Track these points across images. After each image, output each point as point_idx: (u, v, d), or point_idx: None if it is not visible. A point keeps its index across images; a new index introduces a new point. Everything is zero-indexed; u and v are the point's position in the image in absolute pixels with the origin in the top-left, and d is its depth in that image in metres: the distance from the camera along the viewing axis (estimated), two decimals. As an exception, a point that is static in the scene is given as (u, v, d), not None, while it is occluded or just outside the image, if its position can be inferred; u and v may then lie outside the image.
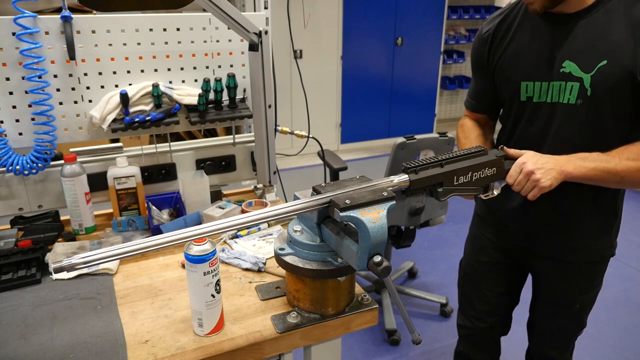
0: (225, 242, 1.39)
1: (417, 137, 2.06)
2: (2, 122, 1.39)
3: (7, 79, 1.36)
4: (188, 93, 1.54)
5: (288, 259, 1.01)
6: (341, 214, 0.88)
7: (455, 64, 5.99)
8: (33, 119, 1.41)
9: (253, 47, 1.44)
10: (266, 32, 1.42)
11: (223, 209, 1.48)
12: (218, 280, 0.97)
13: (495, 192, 1.20)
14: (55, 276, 1.20)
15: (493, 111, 1.49)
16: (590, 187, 1.22)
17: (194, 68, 1.58)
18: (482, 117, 1.50)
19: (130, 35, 1.46)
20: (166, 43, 1.52)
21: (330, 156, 2.43)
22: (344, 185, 0.98)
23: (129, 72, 1.50)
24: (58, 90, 1.42)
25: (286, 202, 1.33)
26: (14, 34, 1.32)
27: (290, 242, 1.03)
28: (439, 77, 5.67)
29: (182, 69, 1.56)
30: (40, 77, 1.36)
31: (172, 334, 1.01)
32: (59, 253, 1.29)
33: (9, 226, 1.42)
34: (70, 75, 1.43)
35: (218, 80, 1.53)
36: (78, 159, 1.41)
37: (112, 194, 1.47)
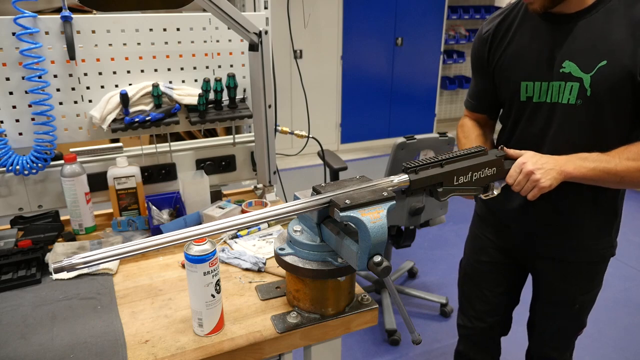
0: (225, 242, 1.39)
1: (417, 137, 2.06)
2: (2, 122, 1.39)
3: (7, 79, 1.36)
4: (188, 93, 1.54)
5: (288, 259, 1.01)
6: (341, 214, 0.88)
7: (455, 64, 5.99)
8: (33, 119, 1.41)
9: (253, 47, 1.44)
10: (266, 32, 1.42)
11: (223, 209, 1.48)
12: (218, 280, 0.97)
13: (495, 192, 1.20)
14: (55, 276, 1.20)
15: (493, 111, 1.49)
16: (590, 187, 1.22)
17: (194, 68, 1.58)
18: (482, 117, 1.50)
19: (130, 35, 1.46)
20: (166, 43, 1.52)
21: (330, 156, 2.43)
22: (344, 185, 0.98)
23: (129, 72, 1.50)
24: (58, 90, 1.42)
25: (286, 202, 1.33)
26: (14, 34, 1.32)
27: (290, 242, 1.03)
28: (439, 77, 5.67)
29: (182, 69, 1.56)
30: (40, 77, 1.36)
31: (172, 334, 1.01)
32: (59, 253, 1.29)
33: (9, 226, 1.42)
34: (70, 75, 1.43)
35: (218, 80, 1.53)
36: (78, 159, 1.41)
37: (112, 194, 1.47)
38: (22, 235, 1.36)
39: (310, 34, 4.81)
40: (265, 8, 1.62)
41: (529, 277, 1.59)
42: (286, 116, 4.84)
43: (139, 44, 1.48)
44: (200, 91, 1.52)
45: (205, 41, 1.56)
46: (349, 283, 1.06)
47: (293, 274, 1.03)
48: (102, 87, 1.48)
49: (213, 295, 0.97)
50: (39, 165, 1.41)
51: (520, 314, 1.67)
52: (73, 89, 1.44)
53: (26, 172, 1.40)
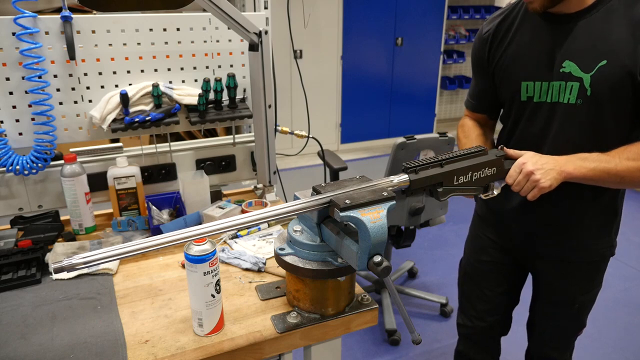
0: (225, 242, 1.39)
1: (417, 137, 2.06)
2: (2, 122, 1.39)
3: (7, 79, 1.36)
4: (188, 93, 1.54)
5: (288, 259, 1.01)
6: (341, 214, 0.88)
7: (455, 64, 5.99)
8: (33, 119, 1.41)
9: (253, 47, 1.44)
10: (266, 32, 1.42)
11: (223, 209, 1.48)
12: (218, 280, 0.97)
13: (495, 192, 1.20)
14: (55, 276, 1.20)
15: (493, 111, 1.49)
16: (590, 187, 1.22)
17: (194, 68, 1.58)
18: (482, 117, 1.51)
19: (130, 35, 1.46)
20: (166, 43, 1.52)
21: (330, 156, 2.43)
22: (344, 185, 0.98)
23: (129, 72, 1.50)
24: (58, 90, 1.42)
25: (286, 202, 1.33)
26: (14, 34, 1.32)
27: (290, 242, 1.03)
28: (439, 77, 5.67)
29: (182, 69, 1.56)
30: (40, 77, 1.36)
31: (172, 334, 1.01)
32: (59, 253, 1.29)
33: (9, 226, 1.42)
34: (70, 75, 1.43)
35: (218, 80, 1.53)
36: (78, 159, 1.41)
37: (112, 194, 1.47)
38: (22, 235, 1.36)
39: (310, 34, 4.81)
40: (265, 8, 1.62)
41: (529, 277, 1.59)
42: (286, 116, 4.84)
43: (139, 44, 1.48)
44: (200, 91, 1.52)
45: (205, 41, 1.56)
46: (349, 283, 1.06)
47: (293, 274, 1.03)
48: (102, 87, 1.48)
49: (213, 295, 0.97)
50: (39, 165, 1.41)
51: (520, 314, 1.67)
52: (73, 89, 1.44)
53: (26, 172, 1.40)
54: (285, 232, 1.07)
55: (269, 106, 1.51)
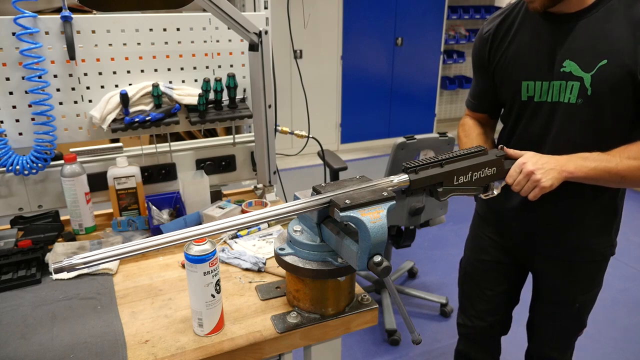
0: (225, 242, 1.39)
1: (417, 137, 2.06)
2: (2, 122, 1.39)
3: (7, 79, 1.36)
4: (188, 93, 1.54)
5: (288, 259, 1.01)
6: (341, 214, 0.88)
7: (455, 64, 5.99)
8: (33, 119, 1.41)
9: (253, 47, 1.44)
10: (266, 32, 1.42)
11: (223, 209, 1.48)
12: (218, 280, 0.97)
13: (495, 192, 1.20)
14: (55, 276, 1.20)
15: (494, 111, 1.49)
16: (591, 187, 1.22)
17: (194, 68, 1.58)
18: (483, 117, 1.51)
19: (130, 35, 1.46)
20: (166, 43, 1.52)
21: (330, 156, 2.43)
22: (344, 185, 0.98)
23: (129, 72, 1.50)
24: (58, 90, 1.42)
25: (286, 202, 1.33)
26: (14, 34, 1.32)
27: (290, 242, 1.03)
28: (439, 77, 5.67)
29: (182, 69, 1.56)
30: (40, 77, 1.36)
31: (172, 334, 1.01)
32: (59, 253, 1.29)
33: (9, 226, 1.42)
34: (70, 75, 1.43)
35: (218, 80, 1.53)
36: (78, 159, 1.41)
37: (112, 194, 1.47)
38: (22, 235, 1.36)
39: (310, 34, 4.80)
40: (265, 8, 1.62)
41: (529, 277, 1.59)
42: (286, 116, 4.84)
43: (139, 44, 1.48)
44: (200, 91, 1.52)
45: (205, 41, 1.56)
46: (349, 283, 1.06)
47: (293, 274, 1.03)
48: (102, 87, 1.48)
49: (213, 295, 0.97)
50: (39, 165, 1.41)
51: (520, 314, 1.67)
52: (73, 89, 1.44)
53: (26, 172, 1.40)
54: (285, 232, 1.07)
55: (269, 106, 1.51)
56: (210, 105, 1.57)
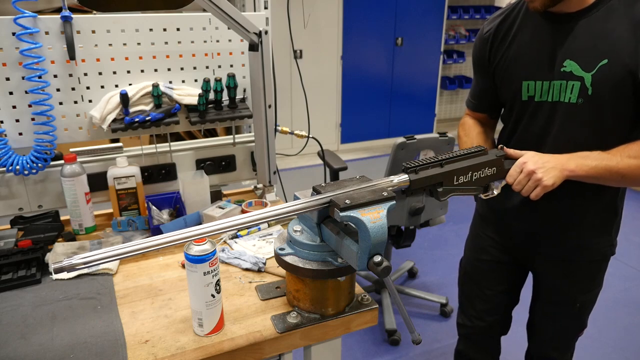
0: (225, 242, 1.39)
1: (417, 137, 2.06)
2: (2, 122, 1.39)
3: (7, 79, 1.36)
4: (188, 93, 1.54)
5: (288, 259, 1.01)
6: (341, 214, 0.88)
7: (455, 64, 5.99)
8: (33, 119, 1.41)
9: (253, 47, 1.44)
10: (266, 32, 1.42)
11: (223, 209, 1.48)
12: (218, 280, 0.97)
13: (495, 192, 1.20)
14: (55, 276, 1.20)
15: (494, 110, 1.49)
16: (591, 186, 1.23)
17: (194, 68, 1.58)
18: (483, 117, 1.51)
19: (130, 35, 1.46)
20: (166, 43, 1.52)
21: (330, 156, 2.43)
22: (344, 185, 0.98)
23: (129, 72, 1.50)
24: (58, 90, 1.42)
25: (286, 202, 1.33)
26: (14, 34, 1.32)
27: (290, 242, 1.03)
28: (439, 77, 5.67)
29: (182, 69, 1.56)
30: (40, 77, 1.36)
31: (172, 334, 1.01)
32: (59, 253, 1.29)
33: (9, 226, 1.42)
34: (70, 75, 1.43)
35: (218, 80, 1.53)
36: (78, 159, 1.41)
37: (112, 194, 1.47)
38: (22, 235, 1.36)
39: (310, 34, 4.81)
40: (265, 8, 1.62)
41: (529, 278, 1.59)
42: (286, 116, 4.84)
43: (139, 44, 1.48)
44: (200, 91, 1.52)
45: (205, 41, 1.56)
46: (349, 283, 1.06)
47: (293, 274, 1.03)
48: (102, 87, 1.48)
49: (213, 295, 0.97)
50: (39, 165, 1.41)
51: (520, 314, 1.67)
52: (73, 89, 1.44)
53: (26, 172, 1.40)
54: (285, 232, 1.07)
55: (269, 106, 1.51)
56: (210, 105, 1.57)
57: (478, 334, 1.66)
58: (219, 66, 1.61)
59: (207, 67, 1.59)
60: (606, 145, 1.19)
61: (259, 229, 1.44)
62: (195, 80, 1.59)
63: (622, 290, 2.89)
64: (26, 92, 1.38)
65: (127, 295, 1.14)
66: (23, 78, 1.35)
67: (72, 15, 1.36)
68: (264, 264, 1.24)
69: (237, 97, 1.60)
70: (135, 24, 1.46)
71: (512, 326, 1.68)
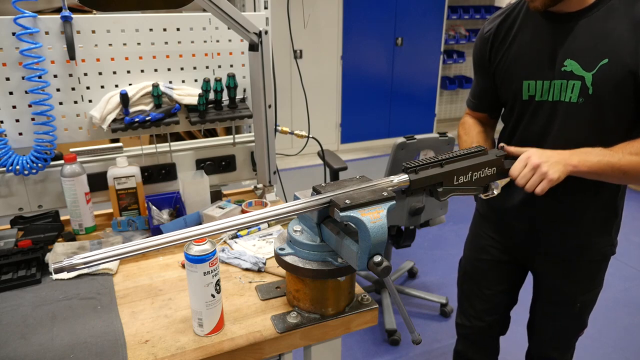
0: (225, 242, 1.39)
1: (417, 137, 2.06)
2: (2, 122, 1.39)
3: (7, 79, 1.36)
4: (188, 93, 1.54)
5: (288, 259, 1.01)
6: (341, 214, 0.88)
7: (455, 64, 5.99)
8: (33, 119, 1.41)
9: (253, 47, 1.44)
10: (266, 32, 1.42)
11: (223, 209, 1.48)
12: (218, 280, 0.97)
13: (496, 192, 1.20)
14: (55, 276, 1.20)
15: (494, 110, 1.49)
16: (591, 184, 1.23)
17: (194, 68, 1.58)
18: (483, 116, 1.51)
19: (130, 35, 1.46)
20: (166, 43, 1.52)
21: (330, 156, 2.43)
22: (344, 185, 0.98)
23: (129, 72, 1.50)
24: (58, 90, 1.42)
25: (286, 202, 1.33)
26: (14, 34, 1.32)
27: (290, 242, 1.03)
28: (439, 77, 5.67)
29: (182, 69, 1.56)
30: (40, 77, 1.36)
31: (172, 334, 1.01)
32: (59, 253, 1.29)
33: (9, 226, 1.42)
34: (70, 75, 1.43)
35: (218, 80, 1.53)
36: (78, 159, 1.41)
37: (112, 194, 1.47)
38: (22, 235, 1.36)
39: (310, 34, 4.81)
40: (265, 8, 1.62)
41: (529, 278, 1.59)
42: (286, 116, 4.84)
43: (139, 44, 1.48)
44: (200, 91, 1.52)
45: (205, 41, 1.56)
46: (349, 283, 1.06)
47: (293, 274, 1.03)
48: (102, 87, 1.48)
49: (213, 295, 0.97)
50: (39, 165, 1.41)
51: (520, 314, 1.67)
52: (73, 89, 1.44)
53: (26, 172, 1.40)
54: (285, 232, 1.07)
55: (269, 106, 1.51)
56: (210, 105, 1.57)
57: (477, 334, 1.66)
58: (219, 66, 1.61)
59: (207, 67, 1.59)
60: (607, 144, 1.19)
61: (259, 229, 1.44)
62: (195, 80, 1.59)
63: (622, 290, 2.89)
64: (26, 92, 1.38)
65: (127, 295, 1.14)
66: (23, 78, 1.35)
67: (72, 15, 1.36)
68: (264, 264, 1.24)
69: (237, 97, 1.60)
70: (135, 24, 1.46)
71: (512, 326, 1.68)
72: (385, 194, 0.93)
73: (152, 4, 1.37)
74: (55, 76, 1.41)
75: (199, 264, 0.93)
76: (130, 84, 1.50)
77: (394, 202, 0.93)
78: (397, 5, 5.09)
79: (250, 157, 1.73)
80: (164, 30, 1.50)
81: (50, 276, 1.21)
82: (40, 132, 1.40)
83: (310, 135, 1.73)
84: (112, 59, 1.47)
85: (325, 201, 0.94)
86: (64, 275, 1.19)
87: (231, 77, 1.54)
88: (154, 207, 1.49)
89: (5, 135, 1.39)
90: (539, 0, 1.17)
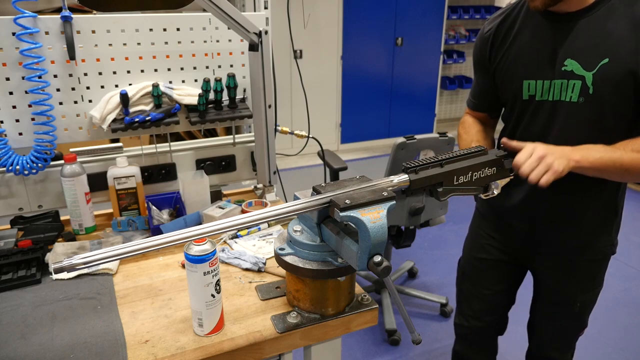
0: (225, 242, 1.39)
1: (417, 137, 2.06)
2: (2, 122, 1.39)
3: (7, 79, 1.36)
4: (188, 93, 1.54)
5: (288, 259, 1.01)
6: (341, 214, 0.88)
7: (455, 64, 5.99)
8: (33, 119, 1.41)
9: (253, 47, 1.44)
10: (266, 32, 1.42)
11: (223, 209, 1.48)
12: (218, 280, 0.97)
13: (496, 192, 1.20)
14: (55, 276, 1.20)
15: (494, 110, 1.49)
16: (592, 182, 1.23)
17: (194, 68, 1.58)
18: (483, 116, 1.51)
19: (130, 35, 1.46)
20: (166, 43, 1.52)
21: (330, 156, 2.43)
22: (344, 185, 0.98)
23: (129, 72, 1.50)
24: (58, 90, 1.42)
25: (286, 202, 1.33)
26: (14, 34, 1.32)
27: (290, 242, 1.03)
28: (439, 77, 5.67)
29: (182, 69, 1.56)
30: (40, 77, 1.36)
31: (172, 334, 1.01)
32: (59, 253, 1.29)
33: (9, 226, 1.42)
34: (70, 75, 1.43)
35: (218, 80, 1.53)
36: (78, 159, 1.41)
37: (112, 194, 1.47)
38: (22, 235, 1.36)
39: (310, 34, 4.81)
40: (265, 8, 1.62)
41: (529, 278, 1.59)
42: (286, 116, 4.84)
43: (139, 44, 1.48)
44: (200, 91, 1.52)
45: (205, 41, 1.56)
46: (349, 283, 1.06)
47: (293, 274, 1.03)
48: (102, 87, 1.48)
49: (213, 295, 0.97)
50: (39, 165, 1.41)
51: (520, 314, 1.67)
52: (73, 89, 1.44)
53: (26, 172, 1.40)
54: (285, 232, 1.07)
55: (269, 106, 1.51)
56: (210, 105, 1.57)
57: (475, 334, 1.66)
58: (219, 66, 1.61)
59: (207, 67, 1.59)
60: (607, 144, 1.19)
61: (259, 229, 1.44)
62: (195, 80, 1.59)
63: (622, 290, 2.89)
64: (26, 92, 1.38)
65: (127, 295, 1.14)
66: (23, 78, 1.35)
67: (72, 15, 1.36)
68: (264, 264, 1.24)
69: (237, 97, 1.60)
70: (135, 24, 1.46)
71: (512, 326, 1.68)
72: (385, 194, 0.93)
73: (152, 4, 1.37)
74: (55, 76, 1.41)
75: (199, 264, 0.93)
76: (130, 84, 1.50)
77: (394, 202, 0.93)
78: (397, 5, 5.09)
79: (250, 157, 1.73)
80: (164, 30, 1.50)
81: (50, 276, 1.21)
82: (40, 132, 1.40)
83: (310, 135, 1.73)
84: (112, 59, 1.47)
85: (325, 201, 0.94)
86: (64, 275, 1.19)
87: (231, 77, 1.54)
88: (154, 207, 1.49)
89: (5, 135, 1.39)
90: (539, 0, 1.17)
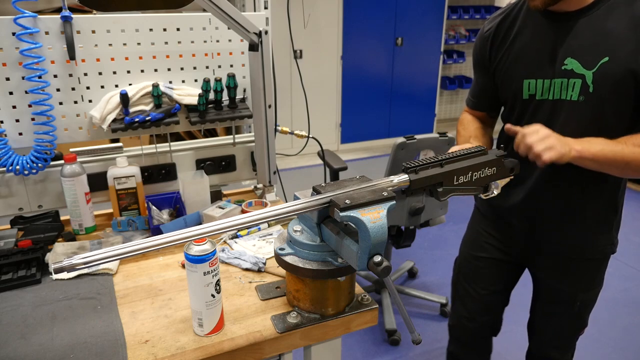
0: (225, 242, 1.39)
1: (417, 137, 2.06)
2: (2, 122, 1.39)
3: (7, 79, 1.36)
4: (188, 93, 1.54)
5: (288, 259, 1.01)
6: (341, 214, 0.88)
7: (455, 64, 5.99)
8: (33, 119, 1.41)
9: (253, 47, 1.44)
10: (266, 32, 1.42)
11: (223, 209, 1.48)
12: (218, 280, 0.97)
13: (496, 192, 1.20)
14: (55, 276, 1.20)
15: (493, 109, 1.50)
16: (592, 180, 1.22)
17: (194, 68, 1.58)
18: (482, 115, 1.52)
19: (130, 35, 1.46)
20: (166, 43, 1.52)
21: (330, 156, 2.43)
22: (344, 185, 0.98)
23: (129, 72, 1.50)
24: (58, 90, 1.42)
25: (286, 202, 1.33)
26: (14, 34, 1.32)
27: (290, 242, 1.03)
28: (439, 77, 5.67)
29: (182, 69, 1.56)
30: (40, 77, 1.36)
31: (172, 334, 1.01)
32: (59, 253, 1.29)
33: (9, 226, 1.42)
34: (70, 75, 1.43)
35: (218, 80, 1.53)
36: (78, 159, 1.41)
37: (112, 194, 1.47)
38: (22, 235, 1.36)
39: (310, 34, 4.81)
40: (265, 8, 1.62)
41: (528, 278, 1.59)
42: (286, 116, 4.84)
43: (139, 44, 1.48)
44: (200, 91, 1.52)
45: (205, 41, 1.56)
46: (349, 283, 1.06)
47: (293, 274, 1.03)
48: (102, 87, 1.48)
49: (213, 295, 0.97)
50: (39, 165, 1.41)
51: (520, 314, 1.67)
52: (73, 89, 1.44)
53: (26, 172, 1.40)
54: (285, 232, 1.07)
55: (269, 106, 1.51)
56: (210, 105, 1.57)
57: (469, 335, 1.66)
58: (219, 66, 1.61)
59: (207, 67, 1.59)
60: (607, 142, 1.20)
61: (259, 229, 1.44)
62: (195, 80, 1.59)
63: (622, 290, 2.89)
64: (26, 92, 1.38)
65: (127, 295, 1.14)
66: (23, 78, 1.35)
67: (72, 15, 1.36)
68: (264, 264, 1.24)
69: (237, 97, 1.60)
70: (135, 24, 1.46)
71: (512, 326, 1.68)
72: (385, 194, 0.93)
73: (152, 4, 1.37)
74: (55, 76, 1.41)
75: (199, 264, 0.93)
76: (130, 84, 1.50)
77: (394, 202, 0.93)
78: (397, 5, 5.09)
79: (250, 157, 1.73)
80: (164, 30, 1.50)
81: (50, 276, 1.21)
82: (40, 132, 1.40)
83: (310, 135, 1.73)
84: (112, 59, 1.47)
85: (325, 201, 0.94)
86: (64, 275, 1.19)
87: (231, 77, 1.54)
88: (154, 207, 1.49)
89: (5, 135, 1.39)
90: (539, 0, 1.17)
